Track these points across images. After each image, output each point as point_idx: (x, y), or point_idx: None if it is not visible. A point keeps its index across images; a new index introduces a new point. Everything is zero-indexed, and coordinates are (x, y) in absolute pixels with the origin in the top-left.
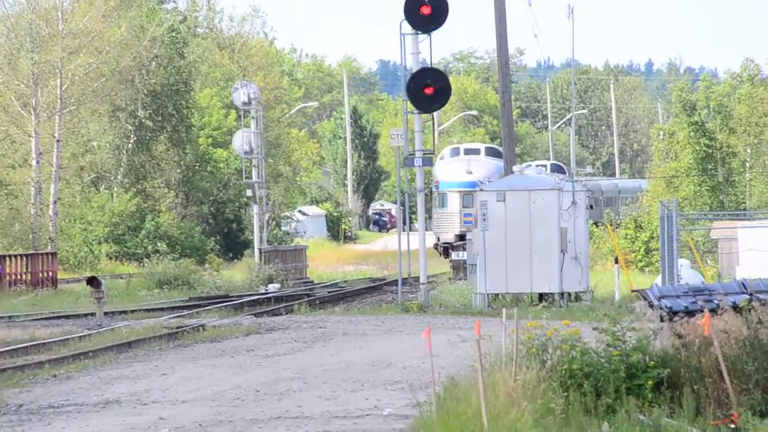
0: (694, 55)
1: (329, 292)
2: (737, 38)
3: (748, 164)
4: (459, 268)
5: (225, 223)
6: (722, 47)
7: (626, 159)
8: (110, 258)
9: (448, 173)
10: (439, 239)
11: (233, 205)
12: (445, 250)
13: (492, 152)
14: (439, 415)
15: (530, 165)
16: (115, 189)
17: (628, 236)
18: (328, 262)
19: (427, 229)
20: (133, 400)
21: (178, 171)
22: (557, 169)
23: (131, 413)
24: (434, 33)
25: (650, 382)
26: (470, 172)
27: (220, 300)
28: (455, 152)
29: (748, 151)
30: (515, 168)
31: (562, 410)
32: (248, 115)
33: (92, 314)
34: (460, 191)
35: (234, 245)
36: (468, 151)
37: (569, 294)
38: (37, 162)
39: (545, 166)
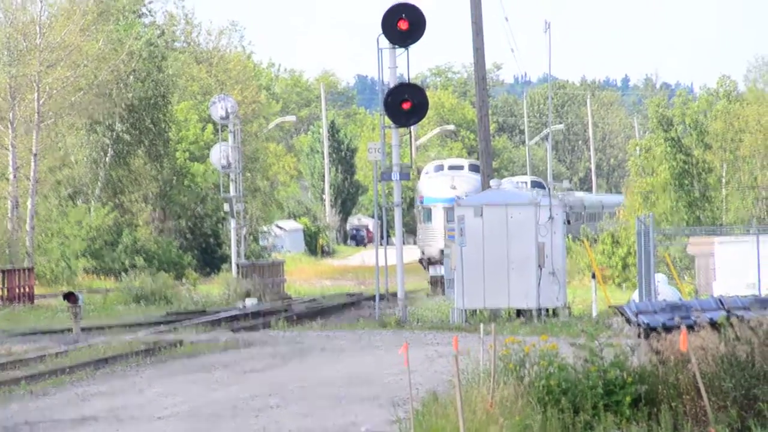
0: (670, 70)
1: (307, 307)
2: (713, 54)
3: (724, 180)
4: (437, 283)
5: (202, 238)
6: (698, 63)
7: (603, 174)
8: (87, 273)
9: (433, 189)
10: (423, 253)
11: (211, 220)
12: (430, 264)
13: (475, 168)
14: (417, 431)
15: (511, 180)
16: (93, 203)
17: (606, 252)
18: (305, 277)
19: (411, 243)
20: (110, 416)
21: (156, 185)
22: (538, 184)
23: (108, 430)
24: (411, 47)
25: (628, 399)
26: (454, 188)
27: (197, 315)
28: (439, 168)
29: (724, 166)
30: (492, 183)
31: (540, 426)
32: (226, 129)
33: (69, 330)
34: (444, 206)
35: (211, 260)
36: (452, 167)
37: (547, 309)
38: (14, 176)
39: (526, 182)
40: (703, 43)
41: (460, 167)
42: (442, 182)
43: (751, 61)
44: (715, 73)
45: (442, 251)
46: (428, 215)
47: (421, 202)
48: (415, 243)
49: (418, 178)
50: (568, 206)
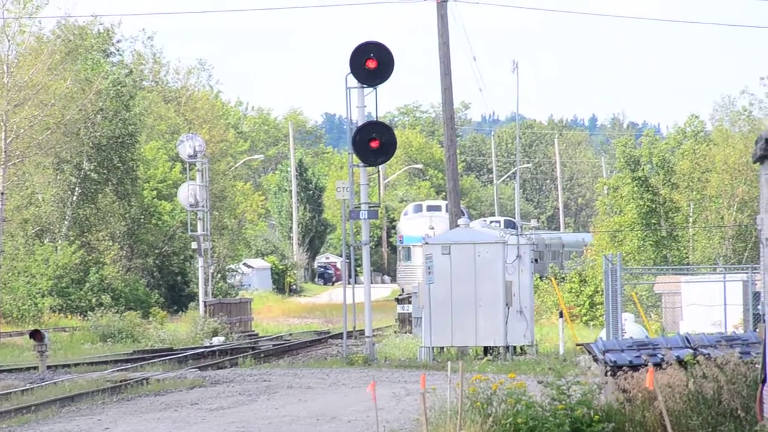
0: (637, 110)
1: (274, 345)
2: (680, 94)
3: (690, 219)
4: (405, 321)
5: (170, 276)
6: (665, 103)
7: (570, 213)
8: (54, 311)
9: (412, 228)
10: (403, 290)
11: (178, 258)
12: (399, 302)
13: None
14: None
15: (485, 220)
16: (60, 241)
17: (573, 290)
18: (273, 315)
19: (379, 282)
20: None
21: (123, 223)
22: (511, 224)
23: None
24: (380, 87)
25: None
26: (432, 228)
27: (164, 353)
28: (418, 209)
29: (691, 206)
30: (461, 221)
31: None
32: (194, 168)
33: (35, 368)
34: (422, 245)
35: (179, 298)
36: (430, 208)
37: (514, 347)
38: None
39: (499, 221)
40: (670, 83)
41: (438, 208)
42: (421, 222)
43: (717, 101)
44: (681, 113)
45: None
46: (408, 254)
47: (401, 242)
48: (382, 281)
49: (387, 218)
50: (546, 244)
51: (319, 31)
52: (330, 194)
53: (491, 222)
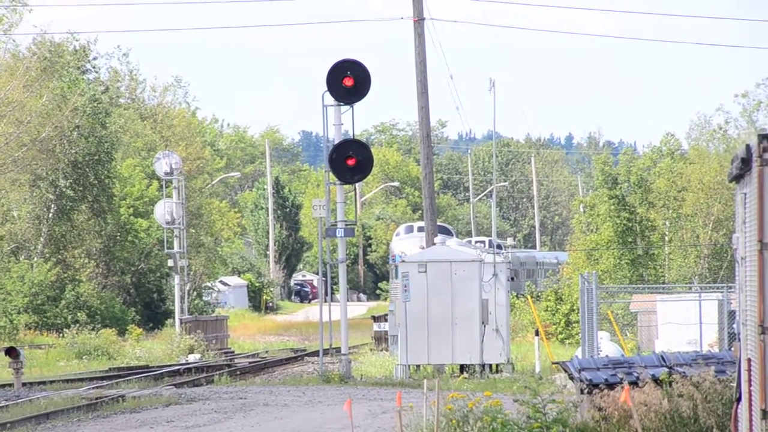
0: (614, 129)
1: (250, 363)
2: (656, 113)
3: (666, 238)
4: (381, 339)
5: (146, 294)
6: (641, 122)
7: (547, 231)
8: (30, 328)
9: (403, 248)
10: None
11: (154, 275)
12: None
13: (443, 230)
14: None
15: (470, 241)
16: (35, 259)
17: (549, 308)
18: (249, 333)
19: (355, 300)
20: None
21: (99, 241)
22: (497, 245)
23: None
24: (357, 104)
25: None
26: (423, 248)
27: (140, 370)
28: (409, 229)
29: (667, 224)
30: (437, 239)
31: None
32: (170, 185)
33: (10, 385)
34: (399, 263)
35: (155, 315)
36: (421, 229)
37: (490, 365)
38: None
39: (484, 242)
40: (646, 102)
41: None
42: (412, 242)
43: (693, 119)
44: (657, 132)
45: None
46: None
47: (393, 260)
48: (359, 299)
49: (363, 236)
50: (537, 262)
51: (296, 48)
52: (307, 212)
53: (476, 242)
